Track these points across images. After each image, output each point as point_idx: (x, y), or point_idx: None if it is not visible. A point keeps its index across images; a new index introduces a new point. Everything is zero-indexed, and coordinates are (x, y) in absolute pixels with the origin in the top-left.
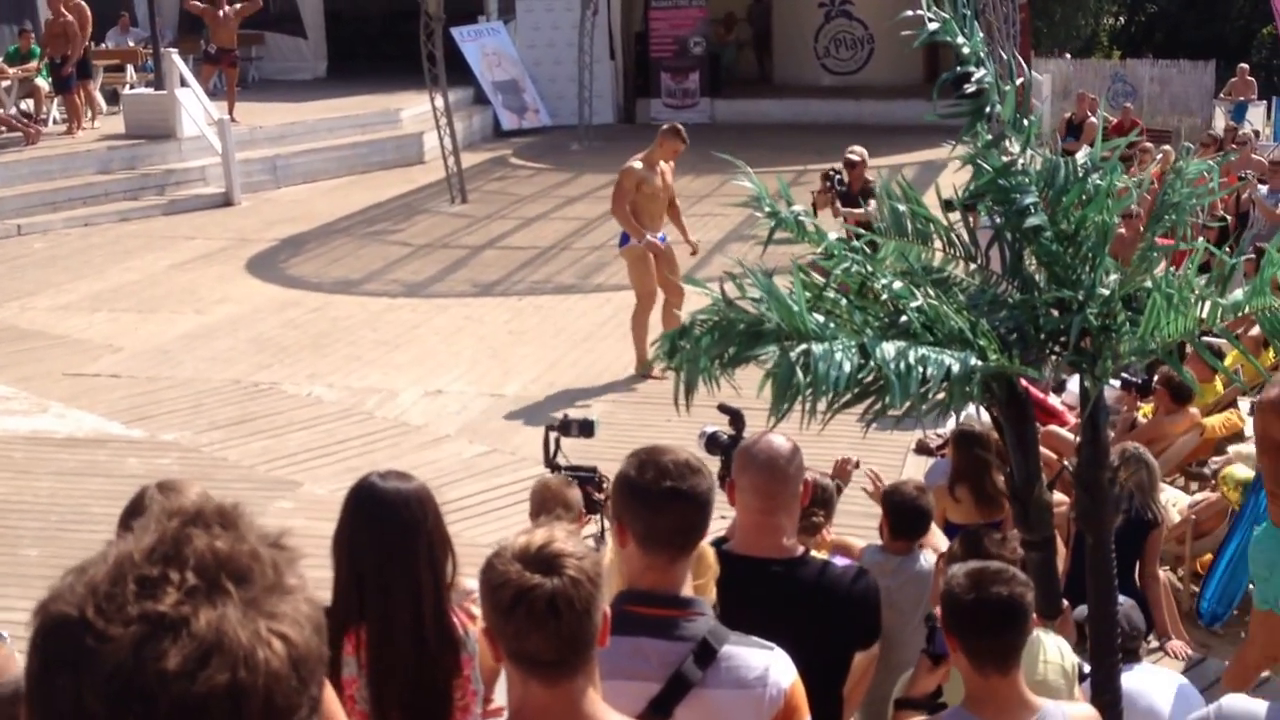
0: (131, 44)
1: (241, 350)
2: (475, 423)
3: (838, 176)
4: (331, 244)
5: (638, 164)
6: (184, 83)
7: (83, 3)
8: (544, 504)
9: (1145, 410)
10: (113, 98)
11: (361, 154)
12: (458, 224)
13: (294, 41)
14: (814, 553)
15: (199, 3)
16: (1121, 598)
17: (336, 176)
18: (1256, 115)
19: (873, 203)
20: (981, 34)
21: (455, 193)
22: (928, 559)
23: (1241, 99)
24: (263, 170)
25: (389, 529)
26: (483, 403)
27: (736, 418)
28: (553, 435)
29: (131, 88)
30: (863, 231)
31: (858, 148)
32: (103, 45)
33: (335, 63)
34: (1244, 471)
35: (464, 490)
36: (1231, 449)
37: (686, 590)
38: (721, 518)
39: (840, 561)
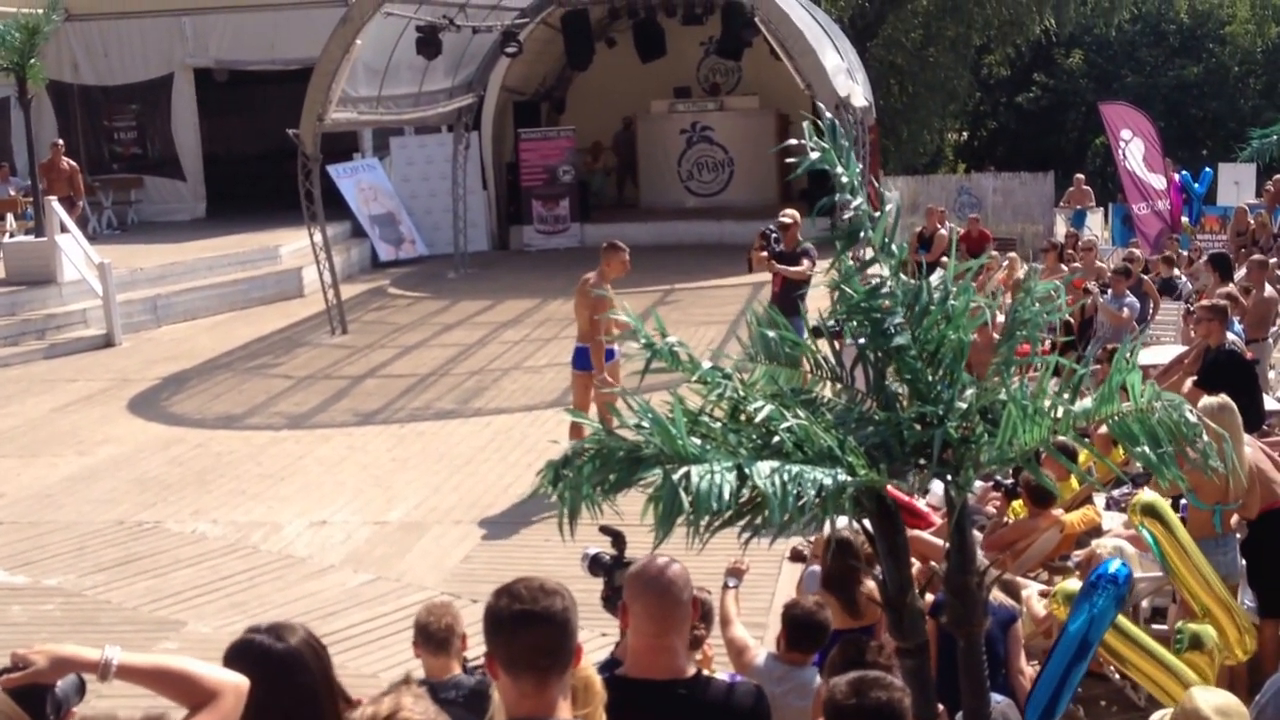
0: (12, 193)
1: (124, 490)
2: (360, 551)
3: (774, 235)
4: (214, 380)
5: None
6: (64, 229)
7: None
8: (424, 630)
9: (1015, 508)
10: None
11: (242, 290)
12: (338, 355)
13: (172, 184)
14: (705, 671)
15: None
16: (998, 697)
17: (218, 313)
18: (1095, 221)
19: (805, 261)
20: (860, 166)
21: (335, 324)
22: (813, 673)
23: (1080, 206)
24: (144, 310)
25: (291, 688)
26: (367, 531)
27: (618, 539)
28: None
29: (11, 236)
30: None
31: (791, 210)
32: None
33: (214, 203)
34: (1075, 585)
35: (349, 620)
36: (1094, 542)
37: (566, 715)
38: (602, 635)
39: (728, 677)
